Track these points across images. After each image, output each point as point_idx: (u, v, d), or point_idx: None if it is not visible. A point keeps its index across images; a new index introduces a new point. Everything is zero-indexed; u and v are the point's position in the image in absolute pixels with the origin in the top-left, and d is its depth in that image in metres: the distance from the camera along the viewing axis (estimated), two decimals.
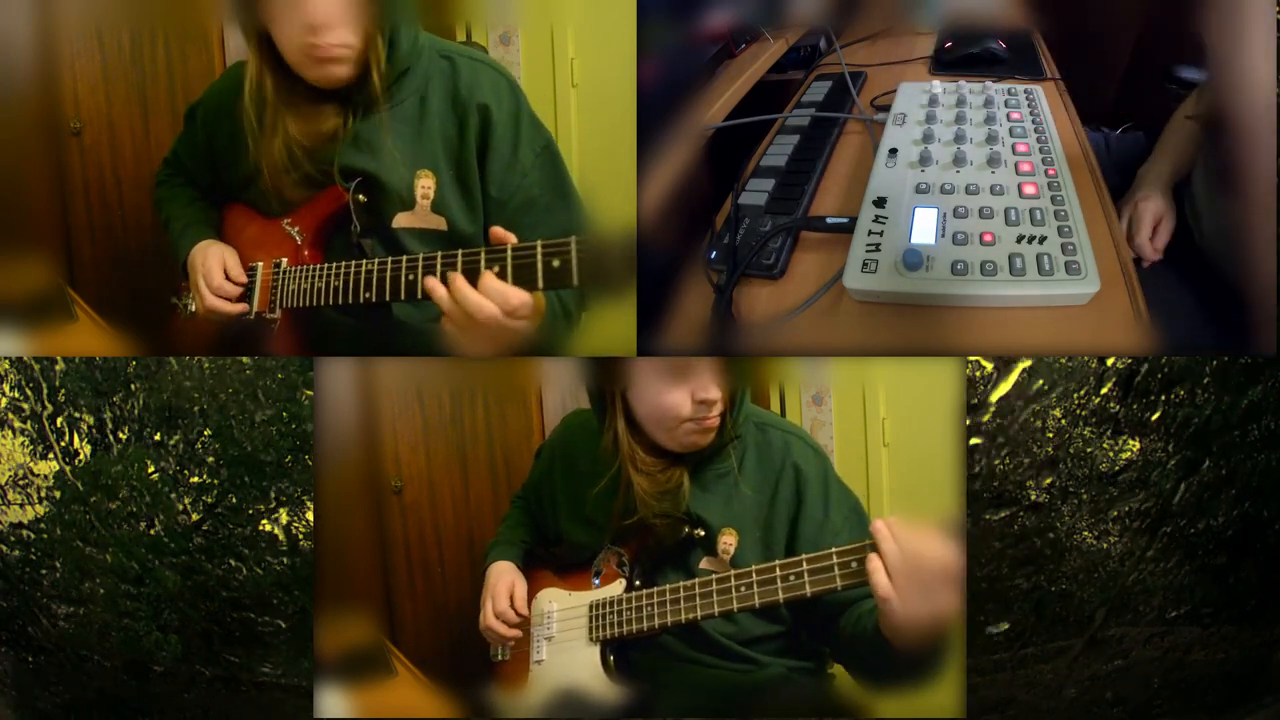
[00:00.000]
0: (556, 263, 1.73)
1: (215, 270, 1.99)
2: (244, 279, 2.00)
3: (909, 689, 1.84)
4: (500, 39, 2.16)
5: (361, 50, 1.84)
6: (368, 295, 1.87)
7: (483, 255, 1.77)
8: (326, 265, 1.92)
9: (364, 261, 1.88)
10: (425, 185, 1.91)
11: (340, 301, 1.90)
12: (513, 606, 2.00)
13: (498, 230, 1.79)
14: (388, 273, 1.85)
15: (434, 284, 1.77)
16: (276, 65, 1.87)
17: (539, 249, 1.74)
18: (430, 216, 1.92)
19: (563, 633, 1.96)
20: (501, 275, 1.75)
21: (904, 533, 1.64)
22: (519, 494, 2.17)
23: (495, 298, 1.73)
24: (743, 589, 1.79)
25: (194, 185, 2.09)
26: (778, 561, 1.77)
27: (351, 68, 1.85)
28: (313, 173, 1.90)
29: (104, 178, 2.26)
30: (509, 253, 1.76)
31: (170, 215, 2.10)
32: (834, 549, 1.72)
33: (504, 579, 2.03)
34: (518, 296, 1.73)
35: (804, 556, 1.73)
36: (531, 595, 2.02)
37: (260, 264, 1.99)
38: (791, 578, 1.76)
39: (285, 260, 1.97)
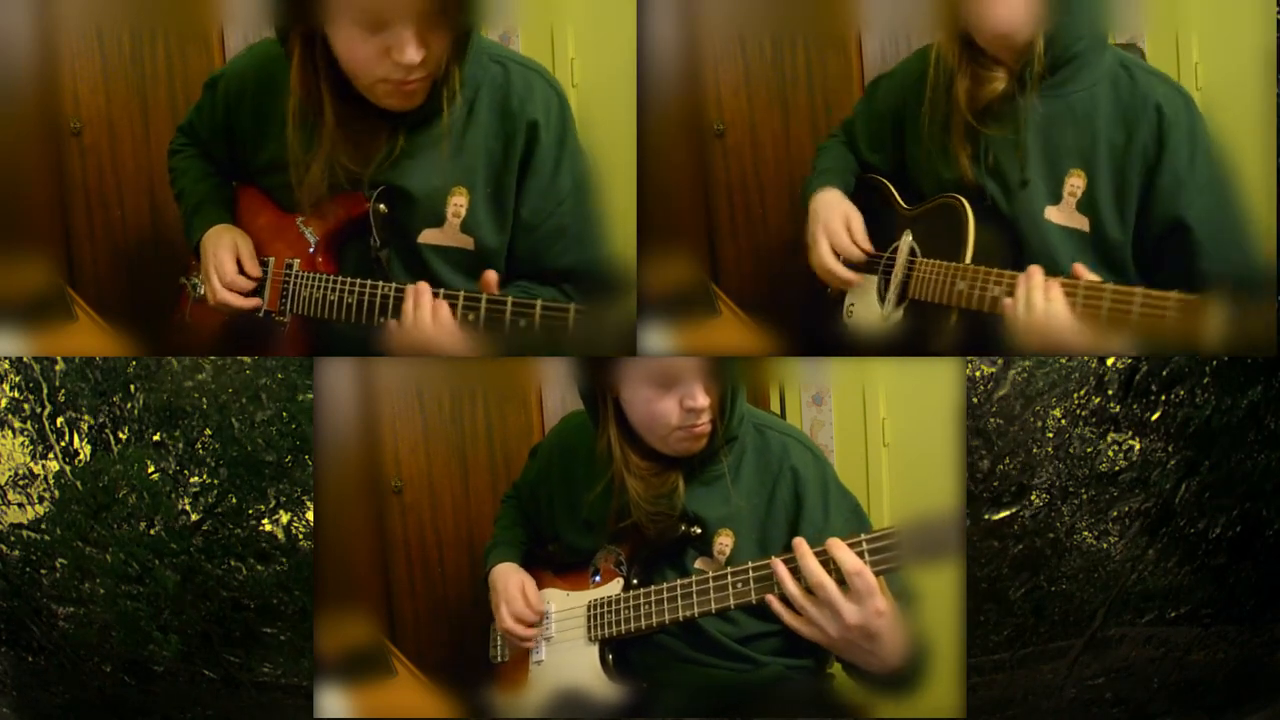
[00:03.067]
0: (523, 323, 1.77)
1: (228, 261, 1.94)
2: (258, 272, 1.95)
3: (895, 691, 1.85)
4: (500, 39, 2.15)
5: (440, 73, 1.77)
6: (382, 320, 1.84)
7: (509, 305, 1.79)
8: (341, 280, 1.88)
9: (380, 284, 1.84)
10: (458, 203, 1.86)
11: (353, 320, 1.86)
12: (529, 605, 2.00)
13: (490, 277, 1.82)
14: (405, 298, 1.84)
15: (408, 296, 1.81)
16: (334, 85, 1.78)
17: (509, 305, 1.79)
18: (459, 235, 1.87)
19: (561, 633, 1.96)
20: (475, 321, 1.79)
21: (809, 563, 1.69)
22: (510, 493, 2.17)
23: (441, 327, 1.80)
24: (739, 585, 1.79)
25: (209, 158, 2.04)
26: (774, 557, 1.76)
27: (425, 94, 1.80)
28: (344, 185, 1.86)
29: (104, 178, 2.26)
30: (538, 309, 1.78)
31: (183, 189, 2.05)
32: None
33: (513, 580, 2.02)
34: (450, 338, 1.80)
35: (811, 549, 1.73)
36: None
37: (271, 260, 1.96)
38: None
39: (298, 262, 1.94)
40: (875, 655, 1.71)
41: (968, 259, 1.88)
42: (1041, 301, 1.76)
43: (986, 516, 4.61)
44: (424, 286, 1.81)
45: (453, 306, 1.80)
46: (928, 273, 1.94)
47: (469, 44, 1.78)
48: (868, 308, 2.03)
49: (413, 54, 1.69)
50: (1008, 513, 4.72)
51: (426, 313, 1.79)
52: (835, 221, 2.02)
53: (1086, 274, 1.78)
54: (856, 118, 2.14)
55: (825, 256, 2.02)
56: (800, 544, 1.71)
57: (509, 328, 1.76)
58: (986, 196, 1.90)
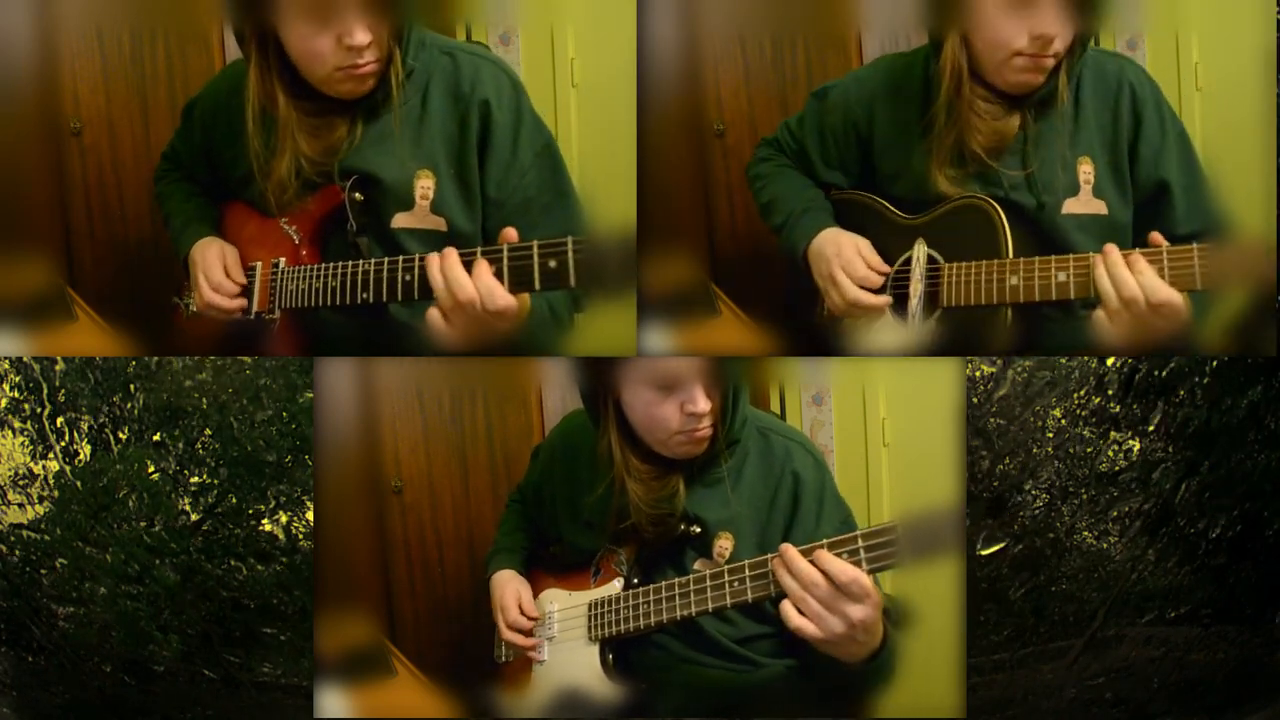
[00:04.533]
0: (553, 263, 1.74)
1: (215, 267, 1.98)
2: (243, 279, 1.99)
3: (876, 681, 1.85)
4: (500, 39, 2.16)
5: (385, 60, 1.84)
6: (365, 296, 1.87)
7: (479, 254, 1.77)
8: (323, 265, 1.92)
9: (360, 262, 1.88)
10: (425, 185, 1.90)
11: (337, 302, 1.89)
12: (523, 614, 2.01)
13: (509, 232, 1.79)
14: (384, 273, 1.85)
15: (431, 259, 1.78)
16: (289, 83, 1.85)
17: (535, 249, 1.75)
18: (429, 217, 1.90)
19: (563, 633, 1.96)
20: (498, 275, 1.76)
21: (799, 562, 1.69)
22: (514, 496, 2.17)
23: (481, 289, 1.75)
24: (736, 584, 1.79)
25: (192, 180, 2.08)
26: (770, 555, 1.77)
27: (376, 79, 1.86)
28: (315, 179, 1.90)
29: (104, 178, 2.26)
30: (505, 252, 1.76)
31: (170, 211, 2.09)
32: (825, 541, 1.72)
33: (509, 589, 2.03)
34: (504, 299, 1.75)
35: (798, 549, 1.73)
36: (533, 596, 2.02)
37: (259, 264, 1.98)
38: None
39: (284, 260, 1.96)
40: (865, 646, 1.74)
41: (1009, 255, 1.87)
42: (1130, 276, 1.72)
43: (986, 517, 4.61)
44: (450, 250, 1.79)
45: (469, 265, 1.78)
46: (965, 276, 1.90)
47: (409, 26, 1.85)
48: (880, 328, 1.99)
49: (361, 36, 1.79)
50: (1008, 513, 4.72)
51: (460, 271, 1.76)
52: (848, 252, 1.98)
53: (1163, 240, 1.77)
54: (803, 137, 2.10)
55: (851, 291, 1.97)
56: (788, 549, 1.71)
57: (540, 274, 1.74)
58: (1008, 203, 1.91)
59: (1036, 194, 1.89)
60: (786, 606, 1.70)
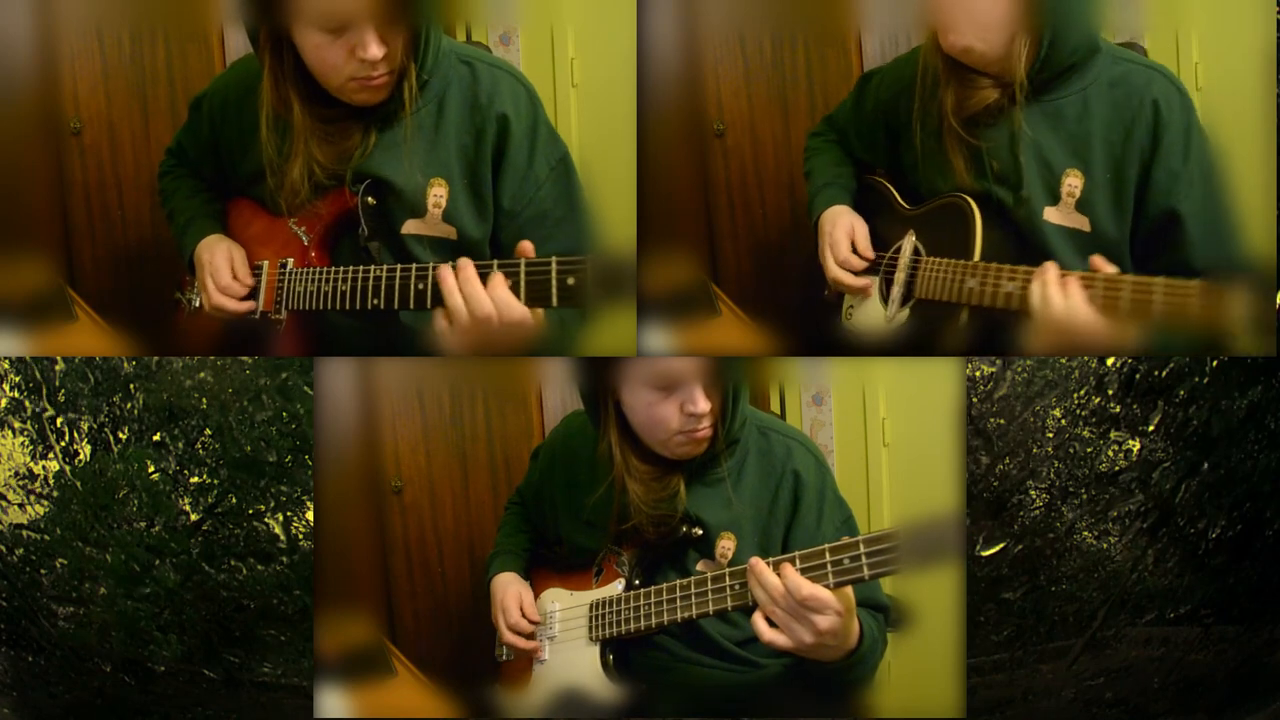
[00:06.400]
0: (571, 280, 1.73)
1: (223, 268, 1.97)
2: (250, 280, 1.97)
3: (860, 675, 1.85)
4: (500, 39, 2.16)
5: (400, 70, 1.83)
6: (376, 302, 1.85)
7: (495, 266, 1.76)
8: (334, 269, 1.90)
9: (373, 267, 1.86)
10: (438, 193, 1.89)
11: (348, 306, 1.88)
12: (524, 616, 2.01)
13: (526, 245, 1.79)
14: (397, 280, 1.83)
15: (445, 272, 1.77)
16: (303, 90, 1.85)
17: (553, 265, 1.74)
18: (441, 225, 1.90)
19: (565, 632, 1.96)
20: (514, 289, 1.75)
21: (768, 577, 1.69)
22: (514, 498, 2.17)
23: (499, 303, 1.74)
24: (737, 587, 1.78)
25: (198, 176, 2.07)
26: (771, 559, 1.76)
27: (390, 88, 1.85)
28: (327, 183, 1.89)
29: (104, 178, 2.26)
30: (522, 266, 1.75)
31: (174, 208, 2.07)
32: (826, 546, 1.72)
33: (510, 591, 2.03)
34: (520, 312, 1.74)
35: (797, 554, 1.73)
36: (535, 595, 2.02)
37: (265, 263, 1.97)
38: None
39: (291, 261, 1.95)
40: (838, 650, 1.74)
41: (976, 257, 1.88)
42: (1060, 298, 1.73)
43: (986, 517, 4.62)
44: (465, 261, 1.78)
45: (484, 277, 1.77)
46: (935, 271, 1.93)
47: (426, 37, 1.84)
48: (869, 310, 2.03)
49: (375, 50, 1.77)
50: (1008, 512, 4.72)
51: (477, 286, 1.75)
52: (838, 232, 2.03)
53: (1105, 266, 1.76)
54: (846, 117, 2.13)
55: (831, 268, 2.04)
56: (756, 562, 1.71)
57: (557, 290, 1.73)
58: (991, 200, 1.89)
59: (1019, 187, 1.87)
60: (758, 619, 1.71)
